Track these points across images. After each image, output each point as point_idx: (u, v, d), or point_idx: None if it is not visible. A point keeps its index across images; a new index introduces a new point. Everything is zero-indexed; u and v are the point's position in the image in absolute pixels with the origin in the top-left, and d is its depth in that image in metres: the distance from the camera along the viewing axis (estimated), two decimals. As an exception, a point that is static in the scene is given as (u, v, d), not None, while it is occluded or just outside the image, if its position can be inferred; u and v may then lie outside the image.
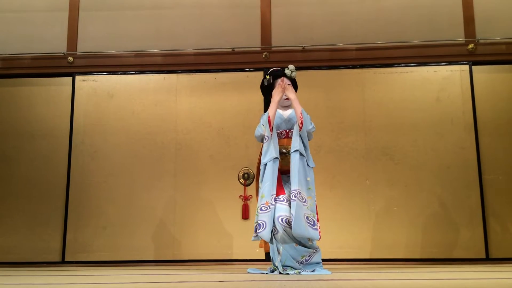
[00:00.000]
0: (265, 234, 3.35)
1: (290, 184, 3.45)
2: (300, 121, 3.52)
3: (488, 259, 4.74)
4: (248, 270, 3.62)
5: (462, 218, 4.84)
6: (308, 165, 3.55)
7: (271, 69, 3.82)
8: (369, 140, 5.04)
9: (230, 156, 5.07)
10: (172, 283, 2.75)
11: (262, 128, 3.62)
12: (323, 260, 4.80)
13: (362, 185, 4.97)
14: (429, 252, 4.80)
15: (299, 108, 3.57)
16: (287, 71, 3.71)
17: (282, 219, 3.36)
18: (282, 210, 3.39)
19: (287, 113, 3.70)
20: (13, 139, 5.28)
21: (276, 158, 3.49)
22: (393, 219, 4.89)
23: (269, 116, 3.57)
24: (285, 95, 3.66)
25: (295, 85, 3.80)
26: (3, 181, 5.21)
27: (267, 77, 3.77)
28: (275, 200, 3.42)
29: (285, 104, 3.73)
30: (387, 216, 4.90)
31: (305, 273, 3.28)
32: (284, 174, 3.57)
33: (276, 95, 3.65)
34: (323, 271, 3.35)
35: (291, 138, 3.58)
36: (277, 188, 3.45)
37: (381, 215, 4.91)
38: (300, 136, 3.52)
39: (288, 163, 3.52)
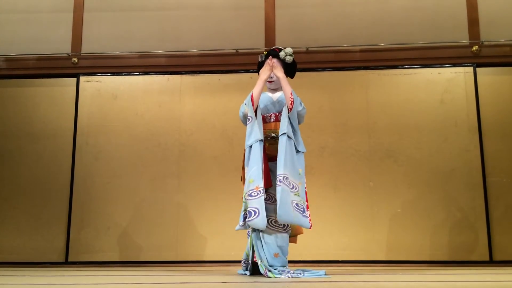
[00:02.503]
0: (259, 221, 3.15)
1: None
2: (290, 102, 3.37)
3: (492, 262, 4.72)
4: (238, 272, 3.58)
5: (466, 221, 4.83)
6: (297, 149, 3.39)
7: (273, 47, 3.64)
8: (373, 142, 5.03)
9: (234, 157, 5.06)
10: (175, 284, 2.75)
11: (244, 107, 3.45)
12: (327, 261, 4.80)
13: (366, 187, 4.96)
14: (433, 254, 4.79)
15: (288, 88, 3.40)
16: (281, 53, 3.51)
17: (270, 220, 3.27)
18: (269, 210, 3.27)
19: (277, 95, 3.55)
20: (17, 139, 5.30)
21: (261, 140, 3.33)
22: (396, 221, 4.88)
23: (252, 95, 3.41)
24: (272, 75, 3.49)
25: (293, 70, 3.62)
26: (7, 181, 5.23)
27: (265, 52, 3.61)
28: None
29: (271, 86, 3.56)
30: (390, 218, 4.89)
31: (308, 274, 3.24)
32: (272, 161, 3.38)
33: (263, 73, 3.46)
34: (320, 272, 3.29)
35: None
36: (264, 178, 3.26)
37: (384, 217, 4.90)
38: (289, 118, 3.37)
39: (277, 148, 3.34)
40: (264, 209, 3.19)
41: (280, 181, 3.21)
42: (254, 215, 3.18)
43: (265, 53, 3.62)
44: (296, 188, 3.29)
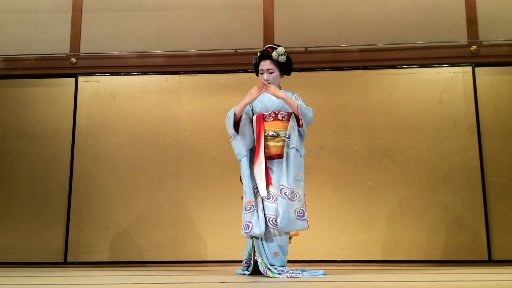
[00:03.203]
0: (256, 231, 3.25)
1: (278, 175, 3.34)
2: (299, 118, 3.35)
3: (490, 261, 4.72)
4: (237, 272, 3.59)
5: (464, 220, 4.84)
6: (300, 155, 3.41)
7: (265, 47, 3.58)
8: (372, 142, 5.03)
9: (233, 157, 5.00)
10: (174, 284, 2.75)
11: (226, 121, 3.46)
12: (326, 261, 4.80)
13: (365, 187, 4.96)
14: (432, 254, 4.79)
15: (294, 104, 3.35)
16: (273, 54, 3.46)
17: (270, 219, 3.30)
18: (270, 209, 3.31)
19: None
20: (16, 139, 5.29)
21: (246, 155, 3.40)
22: (395, 221, 4.88)
23: (235, 115, 3.40)
24: (267, 77, 3.45)
25: (289, 68, 3.57)
26: (6, 182, 5.22)
27: (258, 53, 3.56)
28: (262, 199, 3.33)
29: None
30: (389, 218, 4.89)
31: (307, 274, 3.25)
32: (271, 159, 3.41)
33: (249, 96, 3.38)
34: (319, 272, 3.30)
35: (280, 120, 3.43)
36: (264, 178, 3.32)
37: (383, 217, 4.90)
38: (299, 131, 3.38)
39: (277, 147, 3.39)
40: (258, 220, 3.28)
41: (285, 194, 3.27)
42: (249, 228, 3.30)
43: (258, 53, 3.58)
44: (298, 195, 3.33)
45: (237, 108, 3.42)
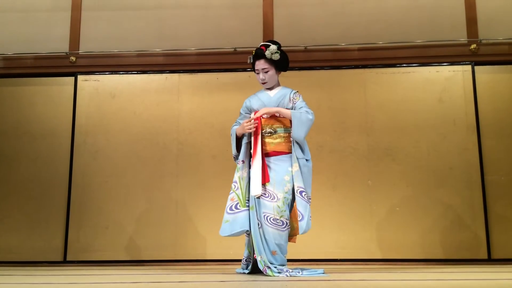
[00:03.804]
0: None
1: (276, 173, 3.36)
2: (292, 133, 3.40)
3: (490, 260, 4.73)
4: (236, 270, 3.60)
5: (464, 219, 4.84)
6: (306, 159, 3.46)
7: (260, 45, 3.56)
8: (371, 141, 5.03)
9: (232, 156, 5.04)
10: (174, 283, 2.75)
11: (231, 138, 3.56)
12: (325, 260, 4.79)
13: (364, 186, 4.96)
14: (432, 253, 4.79)
15: (288, 113, 3.39)
16: (266, 53, 3.45)
17: (269, 218, 3.29)
18: (268, 207, 3.31)
19: (274, 92, 3.55)
20: (15, 138, 5.28)
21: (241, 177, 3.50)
22: (395, 219, 4.88)
23: (236, 135, 3.50)
24: (263, 77, 3.50)
25: (284, 65, 3.55)
26: (5, 181, 5.22)
27: (253, 52, 3.54)
28: (255, 198, 3.35)
29: (266, 86, 3.56)
30: (389, 216, 4.89)
31: (307, 273, 3.24)
32: (268, 156, 3.42)
33: (241, 128, 3.46)
34: (319, 271, 3.30)
35: (278, 117, 3.44)
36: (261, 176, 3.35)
37: (383, 215, 4.90)
38: (299, 144, 3.40)
39: (274, 144, 3.41)
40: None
41: (309, 199, 3.33)
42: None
43: (253, 53, 3.56)
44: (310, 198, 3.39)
45: (237, 131, 3.52)
